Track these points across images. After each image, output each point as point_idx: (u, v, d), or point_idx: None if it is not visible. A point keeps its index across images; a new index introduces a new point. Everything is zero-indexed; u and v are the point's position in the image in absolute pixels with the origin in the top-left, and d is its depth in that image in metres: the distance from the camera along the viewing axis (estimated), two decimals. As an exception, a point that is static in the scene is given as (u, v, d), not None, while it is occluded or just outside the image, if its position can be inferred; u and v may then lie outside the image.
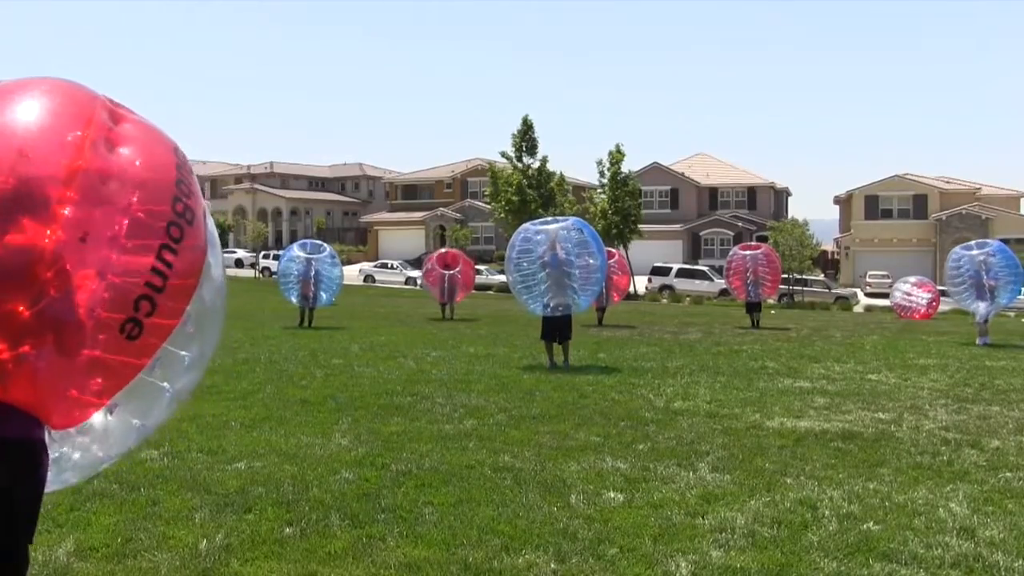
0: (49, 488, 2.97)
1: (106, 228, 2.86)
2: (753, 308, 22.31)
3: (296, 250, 20.69)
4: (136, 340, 2.90)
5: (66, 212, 2.78)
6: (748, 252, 23.05)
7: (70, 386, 2.87)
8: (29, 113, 2.92)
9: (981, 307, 17.27)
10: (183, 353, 3.15)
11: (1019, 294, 18.81)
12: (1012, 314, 39.07)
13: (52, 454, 2.95)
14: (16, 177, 2.76)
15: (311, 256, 20.05)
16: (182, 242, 3.01)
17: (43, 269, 2.73)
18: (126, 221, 2.90)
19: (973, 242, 18.58)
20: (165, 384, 3.16)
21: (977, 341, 17.25)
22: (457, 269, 24.16)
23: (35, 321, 2.72)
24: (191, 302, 3.11)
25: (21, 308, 2.71)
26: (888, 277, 46.23)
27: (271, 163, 79.41)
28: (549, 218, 14.50)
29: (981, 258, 17.36)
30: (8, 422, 2.69)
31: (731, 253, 24.00)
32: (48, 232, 2.75)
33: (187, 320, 3.11)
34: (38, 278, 2.73)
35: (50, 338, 2.77)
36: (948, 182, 59.29)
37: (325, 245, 21.47)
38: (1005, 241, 56.12)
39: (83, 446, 3.05)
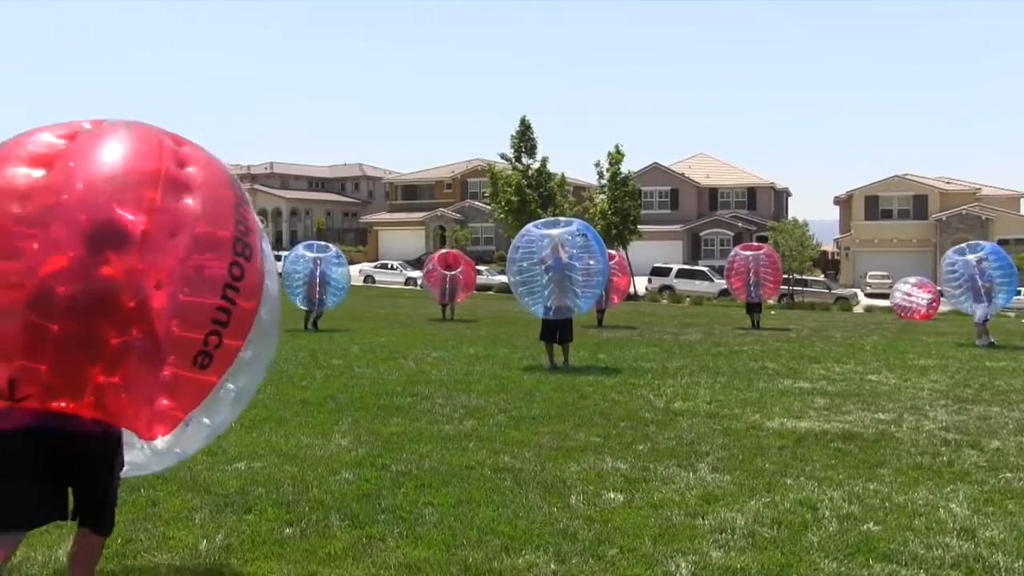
0: (138, 474, 3.93)
1: (179, 268, 3.30)
2: (753, 308, 22.25)
3: (301, 250, 20.17)
4: (207, 368, 3.41)
5: (147, 248, 3.22)
6: (749, 252, 23.00)
7: (153, 405, 3.34)
8: (111, 157, 3.36)
9: (979, 310, 17.21)
10: (244, 354, 3.62)
11: (1015, 295, 18.69)
12: (1012, 314, 39.07)
13: (143, 451, 3.67)
14: (102, 217, 3.18)
15: (317, 256, 19.54)
16: (243, 279, 3.49)
17: (128, 299, 3.16)
18: (195, 263, 3.37)
19: (966, 245, 18.50)
20: (230, 385, 3.64)
21: (977, 342, 17.19)
22: (459, 270, 24.04)
23: (123, 349, 3.16)
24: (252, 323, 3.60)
25: (110, 336, 3.13)
26: (888, 278, 46.25)
27: (271, 163, 79.44)
28: (552, 219, 14.43)
29: (975, 261, 17.30)
30: (93, 421, 3.23)
31: (732, 253, 23.93)
32: (131, 266, 3.17)
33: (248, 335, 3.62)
34: (123, 307, 3.15)
35: (136, 364, 3.21)
36: (948, 182, 59.30)
37: (330, 245, 21.26)
38: (1005, 242, 56.10)
39: (167, 445, 3.67)
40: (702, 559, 4.35)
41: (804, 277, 45.77)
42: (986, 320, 17.29)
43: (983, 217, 54.43)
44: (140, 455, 3.78)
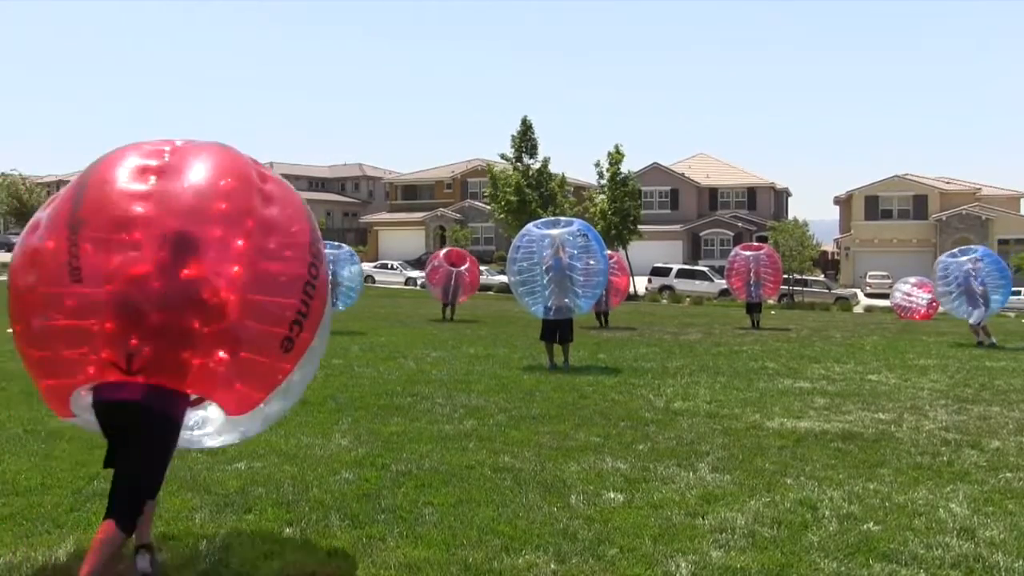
0: (207, 445, 4.47)
1: (267, 270, 3.92)
2: (753, 308, 22.20)
3: None
4: (290, 352, 4.00)
5: (234, 253, 3.85)
6: (750, 252, 22.92)
7: (240, 385, 3.93)
8: (195, 175, 3.93)
9: (975, 314, 17.13)
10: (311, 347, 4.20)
11: (1009, 296, 18.31)
12: (1012, 314, 39.06)
13: (215, 427, 4.26)
14: (183, 227, 3.78)
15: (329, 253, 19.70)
16: (317, 279, 4.14)
17: (208, 296, 3.76)
18: (280, 266, 3.97)
19: (957, 249, 18.38)
20: (295, 374, 4.17)
21: (980, 341, 17.14)
22: (464, 267, 23.66)
23: (210, 337, 3.76)
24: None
25: (197, 325, 3.74)
26: (888, 278, 46.25)
27: (271, 163, 79.34)
28: (552, 219, 14.39)
29: (968, 265, 17.22)
30: (160, 399, 3.75)
31: (732, 253, 23.84)
32: (210, 270, 3.79)
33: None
34: (206, 303, 3.76)
35: (224, 351, 3.81)
36: (948, 182, 59.31)
37: (343, 245, 21.11)
38: (1005, 241, 56.01)
39: (237, 423, 4.21)
40: (702, 559, 4.35)
41: (804, 277, 45.77)
42: (980, 323, 17.18)
43: (983, 217, 54.42)
44: (210, 430, 4.34)
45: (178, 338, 3.74)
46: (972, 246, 18.62)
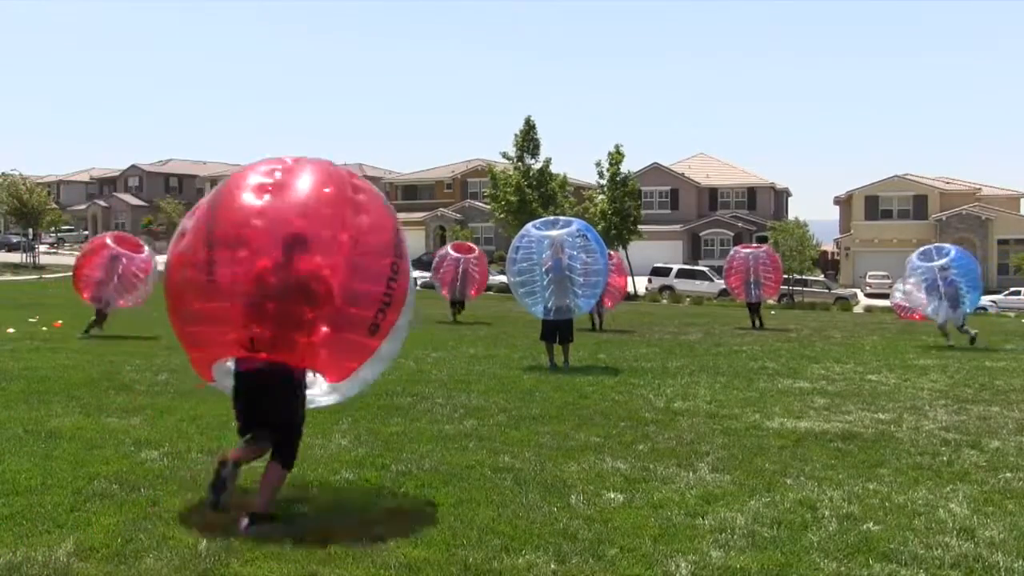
0: (319, 404, 5.47)
1: (360, 264, 4.86)
2: (754, 308, 22.08)
3: None
4: (377, 332, 4.97)
5: (334, 250, 4.78)
6: (748, 251, 22.77)
7: (338, 358, 4.99)
8: (303, 186, 4.93)
9: (951, 313, 16.71)
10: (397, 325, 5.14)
11: (979, 299, 18.08)
12: (1012, 314, 39.05)
13: (321, 389, 5.34)
14: (293, 230, 4.76)
15: None
16: (399, 273, 5.04)
17: (316, 287, 4.72)
18: (371, 260, 4.92)
19: (932, 248, 17.99)
20: (384, 346, 5.12)
21: (966, 338, 16.81)
22: (474, 255, 23.06)
23: (316, 321, 4.73)
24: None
25: (307, 312, 4.73)
26: (888, 278, 46.24)
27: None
28: (551, 219, 14.36)
29: (943, 265, 16.78)
30: (280, 369, 4.79)
31: (731, 252, 23.63)
32: (315, 265, 4.74)
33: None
34: (313, 293, 4.73)
35: (326, 331, 4.79)
36: (948, 182, 59.31)
37: None
38: (1004, 242, 55.95)
39: (338, 387, 5.28)
40: (702, 559, 4.35)
41: (804, 277, 45.78)
42: (947, 322, 16.81)
43: (983, 217, 54.43)
44: (318, 392, 5.34)
45: (291, 323, 4.73)
46: (945, 246, 18.11)
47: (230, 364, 4.98)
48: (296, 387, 4.96)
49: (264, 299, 4.69)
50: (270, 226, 4.77)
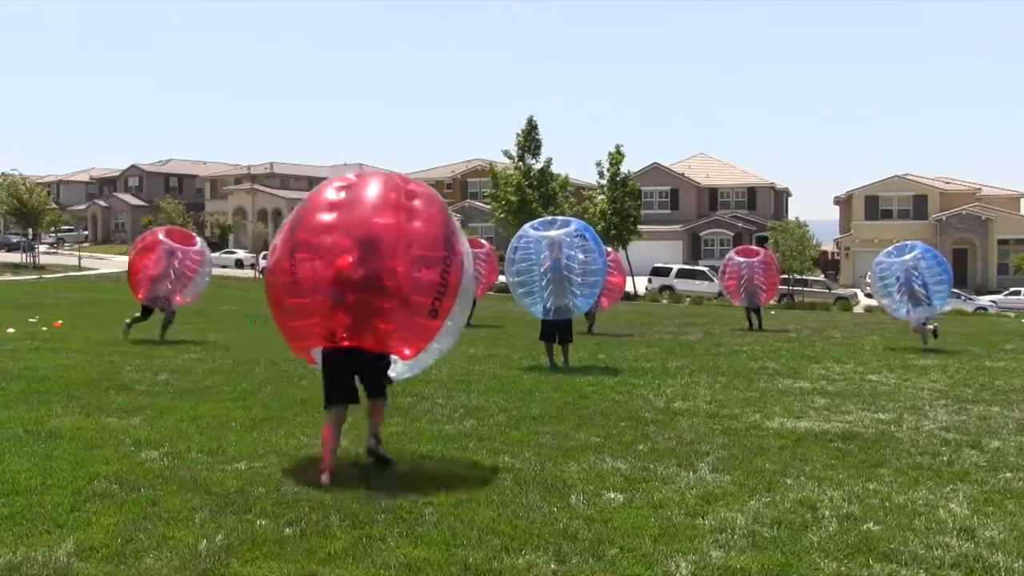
0: (397, 378, 6.44)
1: (419, 260, 5.90)
2: (753, 309, 21.73)
3: None
4: (436, 318, 6.01)
5: (398, 252, 5.84)
6: (744, 259, 21.87)
7: (409, 339, 6.09)
8: (368, 194, 6.03)
9: (917, 312, 16.10)
10: (454, 309, 6.15)
11: (948, 296, 17.30)
12: (1012, 314, 39.06)
13: (399, 364, 6.29)
14: (365, 232, 5.85)
15: None
16: (451, 265, 6.03)
17: (387, 281, 5.80)
18: (426, 256, 5.93)
19: (893, 247, 17.21)
20: (449, 323, 6.17)
21: (923, 345, 16.19)
22: (484, 250, 22.35)
23: (390, 310, 5.84)
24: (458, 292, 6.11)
25: (383, 303, 5.83)
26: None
27: (271, 164, 79.45)
28: (549, 219, 14.33)
29: (911, 263, 16.19)
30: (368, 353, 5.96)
31: (726, 258, 22.81)
32: (390, 263, 5.81)
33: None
34: (386, 286, 5.81)
35: (397, 318, 5.90)
36: (948, 182, 59.33)
37: None
38: (1004, 242, 55.88)
39: (413, 362, 6.33)
40: (702, 559, 4.35)
41: (804, 277, 45.78)
42: (925, 323, 16.29)
43: (983, 217, 54.44)
44: (402, 368, 6.37)
45: (369, 312, 5.82)
46: (913, 243, 17.39)
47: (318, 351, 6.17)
48: (376, 361, 6.12)
49: (346, 292, 5.76)
50: (344, 234, 5.87)
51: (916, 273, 16.21)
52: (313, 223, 5.95)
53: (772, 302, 33.31)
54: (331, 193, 6.06)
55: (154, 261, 15.43)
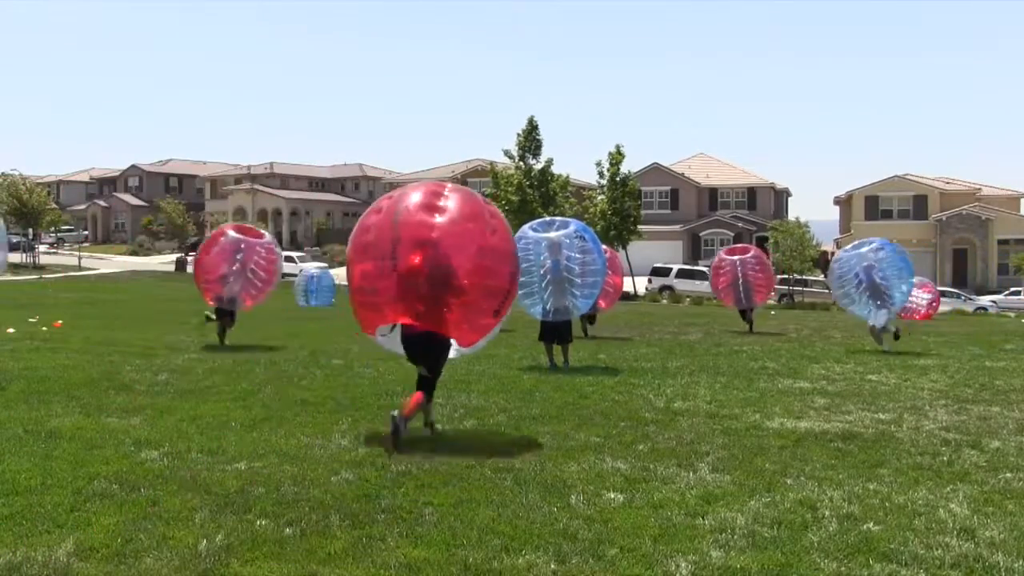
0: (454, 358, 7.70)
1: (491, 268, 7.07)
2: (747, 311, 20.99)
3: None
4: (496, 317, 7.33)
5: (473, 254, 6.98)
6: (735, 257, 21.19)
7: (470, 332, 7.28)
8: (458, 206, 7.07)
9: (880, 315, 15.56)
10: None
11: (910, 291, 16.72)
12: (1012, 314, 39.05)
13: (457, 350, 7.51)
14: (449, 238, 6.94)
15: None
16: (515, 277, 7.45)
17: (453, 280, 6.89)
18: (497, 267, 7.13)
19: (851, 244, 16.68)
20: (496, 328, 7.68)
21: (884, 347, 15.48)
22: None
23: (456, 304, 6.92)
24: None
25: (450, 297, 6.89)
26: (888, 278, 46.16)
27: (271, 163, 79.45)
28: (547, 219, 14.31)
29: (871, 256, 15.59)
30: (433, 333, 7.06)
31: (716, 258, 22.05)
32: (463, 263, 6.93)
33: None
34: (452, 283, 6.90)
35: (462, 311, 6.99)
36: (948, 182, 59.31)
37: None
38: (1004, 242, 55.80)
39: (465, 349, 7.62)
40: (702, 559, 4.35)
41: (804, 277, 45.78)
42: (884, 327, 15.67)
43: (983, 217, 54.43)
44: (454, 351, 7.51)
45: (439, 304, 6.93)
46: (872, 239, 16.70)
47: (385, 328, 7.37)
48: (442, 345, 7.23)
49: (418, 287, 6.85)
50: (431, 235, 6.88)
51: (877, 267, 15.61)
52: (413, 221, 6.97)
53: (771, 302, 33.33)
54: (427, 198, 7.10)
55: (218, 257, 14.33)
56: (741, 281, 20.72)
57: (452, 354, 7.48)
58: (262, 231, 15.58)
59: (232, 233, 14.83)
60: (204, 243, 15.15)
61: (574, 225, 13.18)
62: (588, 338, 17.29)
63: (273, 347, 14.30)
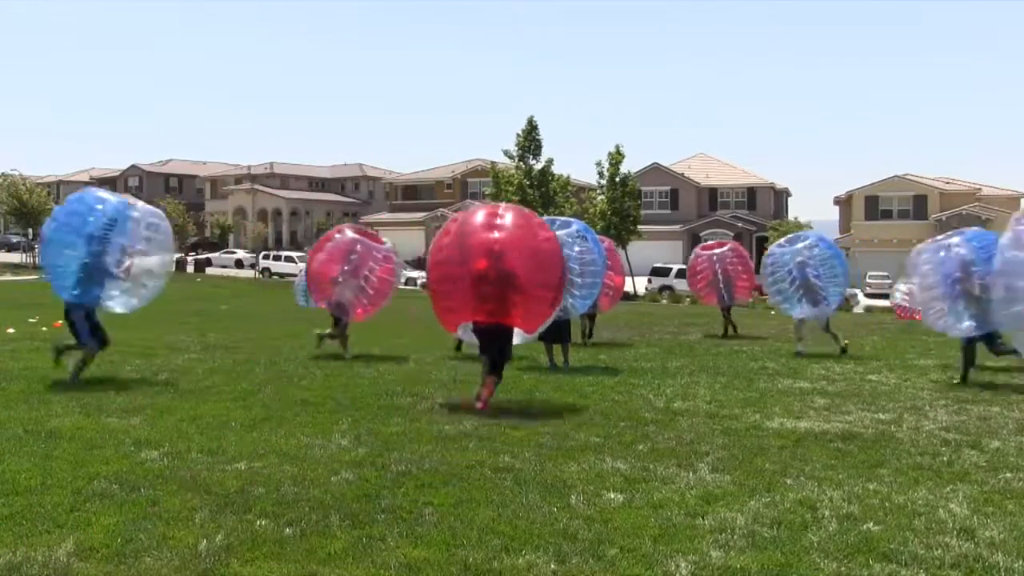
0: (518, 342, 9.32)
1: (543, 267, 8.83)
2: (728, 310, 19.37)
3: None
4: (554, 307, 9.05)
5: (528, 258, 8.71)
6: (711, 252, 19.85)
7: (531, 320, 8.89)
8: (513, 222, 8.80)
9: (811, 311, 14.81)
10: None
11: (842, 295, 15.50)
12: (1012, 315, 38.89)
13: (520, 335, 9.15)
14: (508, 248, 8.65)
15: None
16: (565, 276, 9.39)
17: (515, 280, 8.58)
18: (549, 266, 8.87)
19: (785, 239, 15.82)
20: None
21: (798, 348, 14.83)
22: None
23: (520, 299, 8.62)
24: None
25: (513, 295, 8.59)
26: (888, 278, 46.24)
27: (271, 164, 79.44)
28: (549, 219, 14.24)
29: (806, 252, 14.72)
30: (501, 324, 8.70)
31: (692, 255, 20.60)
32: (521, 266, 8.63)
33: None
34: (515, 283, 8.59)
35: (525, 305, 8.69)
36: (948, 182, 59.33)
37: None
38: (1005, 242, 55.70)
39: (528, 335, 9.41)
40: (702, 559, 4.35)
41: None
42: (804, 322, 15.02)
43: (983, 217, 54.41)
44: (519, 337, 9.08)
45: (504, 299, 8.53)
46: (804, 233, 15.79)
47: (468, 325, 8.80)
48: (508, 334, 8.74)
49: (486, 287, 8.46)
50: (494, 244, 8.54)
51: (811, 264, 14.85)
52: (476, 237, 8.67)
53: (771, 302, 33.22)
54: (486, 218, 8.81)
55: (330, 258, 13.16)
56: (721, 277, 19.46)
57: (517, 340, 9.01)
58: (383, 238, 14.29)
59: (349, 232, 13.60)
60: (317, 241, 13.96)
61: (576, 225, 13.19)
62: (588, 345, 15.86)
63: (273, 347, 14.28)
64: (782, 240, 15.97)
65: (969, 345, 11.52)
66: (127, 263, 9.85)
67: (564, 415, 8.27)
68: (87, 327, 9.74)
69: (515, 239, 8.61)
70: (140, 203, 10.31)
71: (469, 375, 11.14)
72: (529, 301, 8.63)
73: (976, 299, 11.20)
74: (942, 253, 11.67)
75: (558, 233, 12.93)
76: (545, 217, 16.03)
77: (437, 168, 72.36)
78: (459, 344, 13.21)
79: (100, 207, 9.77)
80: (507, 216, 8.78)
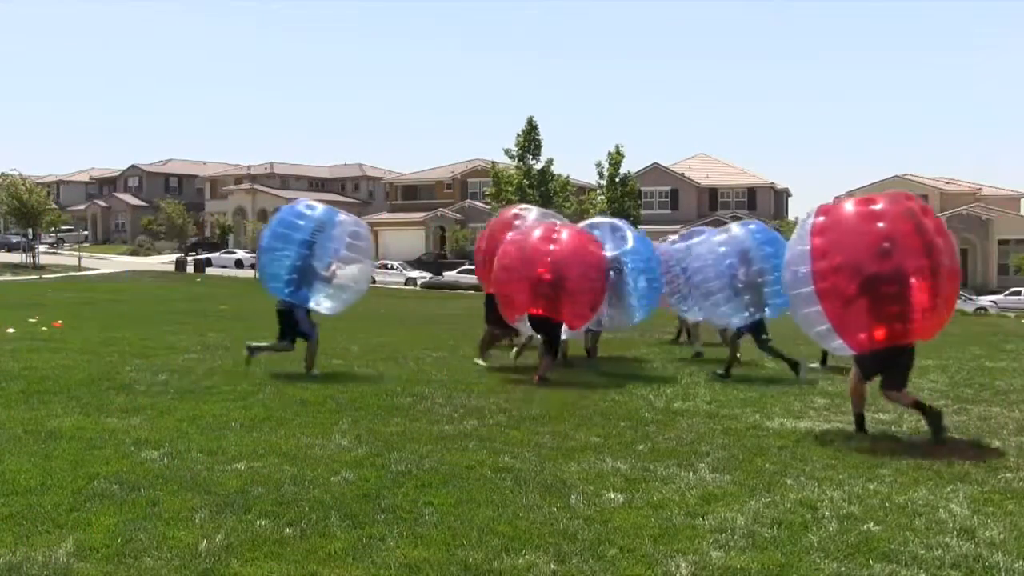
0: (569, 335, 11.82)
1: (584, 273, 10.67)
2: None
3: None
4: (593, 308, 11.03)
5: (580, 270, 10.67)
6: (675, 247, 15.82)
7: (577, 319, 10.84)
8: (567, 241, 10.63)
9: (695, 310, 13.11)
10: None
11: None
12: (1012, 315, 39.04)
13: (566, 330, 11.19)
14: (557, 266, 10.54)
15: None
16: (606, 280, 11.24)
17: (568, 285, 10.48)
18: (590, 273, 10.80)
19: (677, 236, 14.34)
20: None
21: (695, 347, 14.17)
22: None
23: (568, 302, 10.57)
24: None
25: (564, 297, 10.49)
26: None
27: (271, 163, 79.51)
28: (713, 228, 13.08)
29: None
30: (549, 317, 10.61)
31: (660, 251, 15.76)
32: (558, 271, 10.51)
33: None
34: (567, 288, 10.47)
35: (572, 306, 10.62)
36: (948, 182, 59.37)
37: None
38: (1005, 242, 55.68)
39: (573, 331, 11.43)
40: (702, 559, 4.35)
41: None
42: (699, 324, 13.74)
43: (983, 217, 54.46)
44: (564, 331, 10.84)
45: (558, 301, 10.35)
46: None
47: (524, 316, 10.56)
48: (556, 326, 10.53)
49: (545, 289, 10.26)
50: (544, 257, 10.31)
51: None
52: (536, 251, 10.43)
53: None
54: (543, 233, 10.57)
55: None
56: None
57: (564, 335, 10.77)
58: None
59: (536, 211, 12.57)
60: (491, 225, 12.82)
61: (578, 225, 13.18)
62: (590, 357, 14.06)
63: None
64: (674, 237, 14.77)
65: (739, 337, 11.63)
66: (333, 266, 10.63)
67: (564, 415, 8.27)
68: (309, 323, 10.84)
69: (569, 254, 10.43)
70: (344, 213, 11.00)
71: (469, 375, 11.15)
72: (576, 303, 10.51)
73: (752, 289, 11.07)
74: (721, 246, 11.28)
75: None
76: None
77: (437, 168, 72.40)
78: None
79: (309, 212, 10.65)
80: (563, 233, 10.63)
